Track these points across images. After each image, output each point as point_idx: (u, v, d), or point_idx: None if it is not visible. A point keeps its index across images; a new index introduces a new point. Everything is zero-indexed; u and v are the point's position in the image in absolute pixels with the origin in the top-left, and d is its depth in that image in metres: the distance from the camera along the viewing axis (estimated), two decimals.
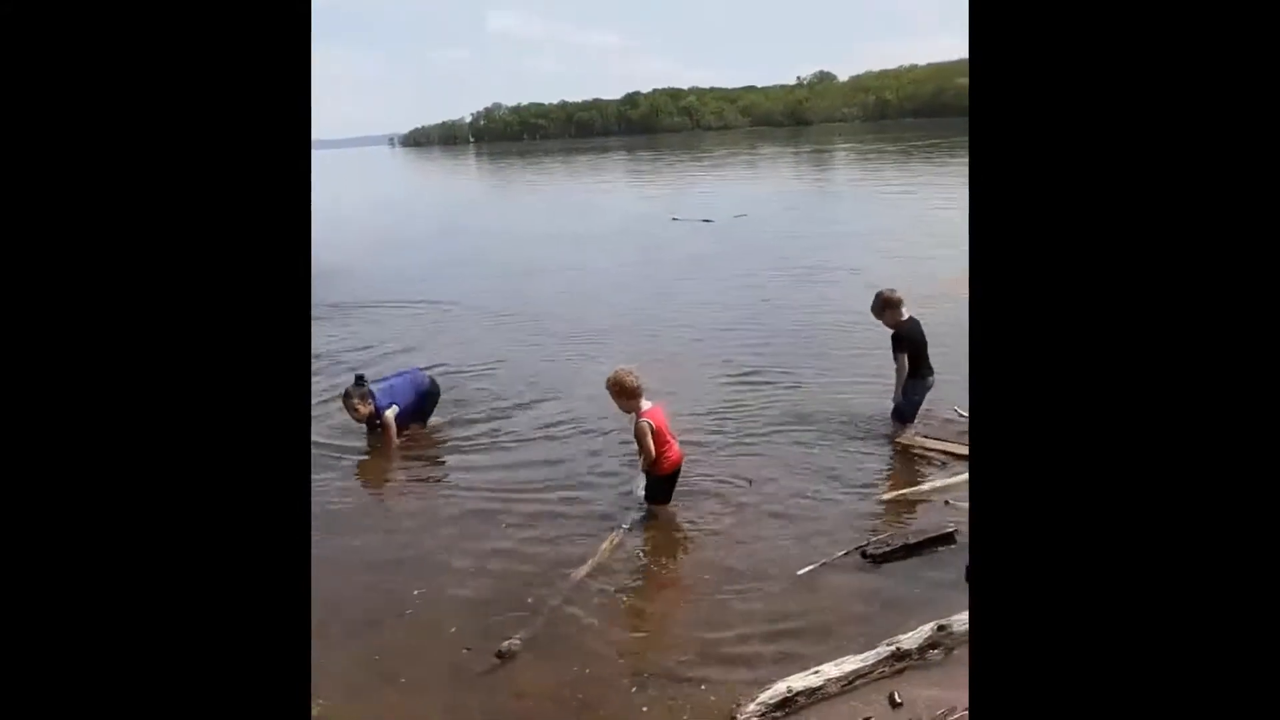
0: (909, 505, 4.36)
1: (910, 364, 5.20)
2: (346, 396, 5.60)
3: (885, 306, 5.26)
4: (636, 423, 4.38)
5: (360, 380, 5.65)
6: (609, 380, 4.43)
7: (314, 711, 2.95)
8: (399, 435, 5.62)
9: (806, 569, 3.75)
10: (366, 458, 5.47)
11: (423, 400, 5.90)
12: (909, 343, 5.21)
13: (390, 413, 5.59)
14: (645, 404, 4.42)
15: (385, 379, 5.91)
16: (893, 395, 5.33)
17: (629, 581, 3.78)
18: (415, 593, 3.72)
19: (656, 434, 4.35)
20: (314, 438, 5.54)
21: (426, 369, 6.57)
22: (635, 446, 4.44)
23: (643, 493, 4.51)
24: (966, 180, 1.41)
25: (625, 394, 4.38)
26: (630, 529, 4.25)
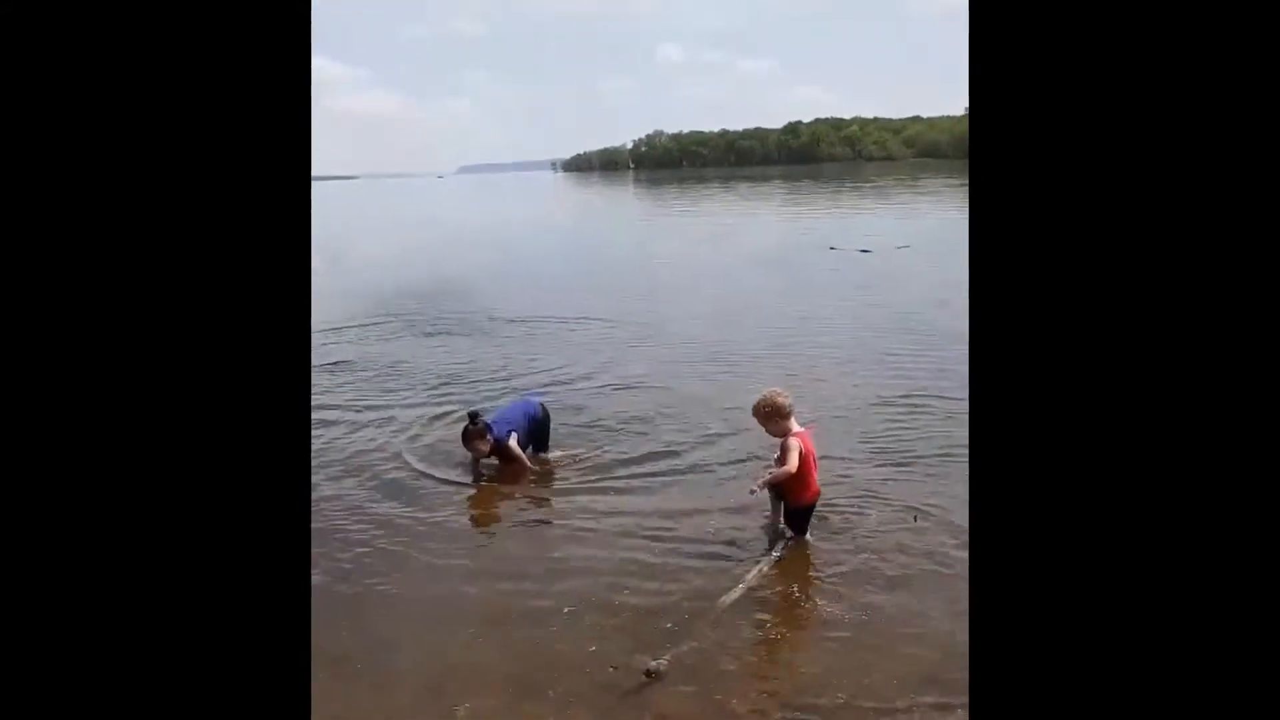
0: None
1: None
2: (466, 437, 5.53)
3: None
4: (785, 440, 4.27)
5: (474, 417, 5.58)
6: (759, 402, 4.34)
7: (460, 713, 2.99)
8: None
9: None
10: (486, 485, 5.42)
11: (534, 427, 5.81)
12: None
13: (513, 440, 5.54)
14: (795, 426, 4.30)
15: (498, 410, 5.90)
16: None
17: (777, 614, 3.67)
18: (565, 610, 3.74)
19: (804, 457, 4.22)
20: (431, 470, 5.57)
21: (541, 392, 6.61)
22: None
23: (782, 523, 4.39)
24: None
25: (776, 415, 4.27)
26: (780, 557, 4.13)
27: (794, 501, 4.33)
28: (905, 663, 3.24)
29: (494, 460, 5.63)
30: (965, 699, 2.98)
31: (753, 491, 4.36)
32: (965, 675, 3.09)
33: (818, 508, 4.43)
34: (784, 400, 4.29)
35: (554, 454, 5.84)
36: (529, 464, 5.57)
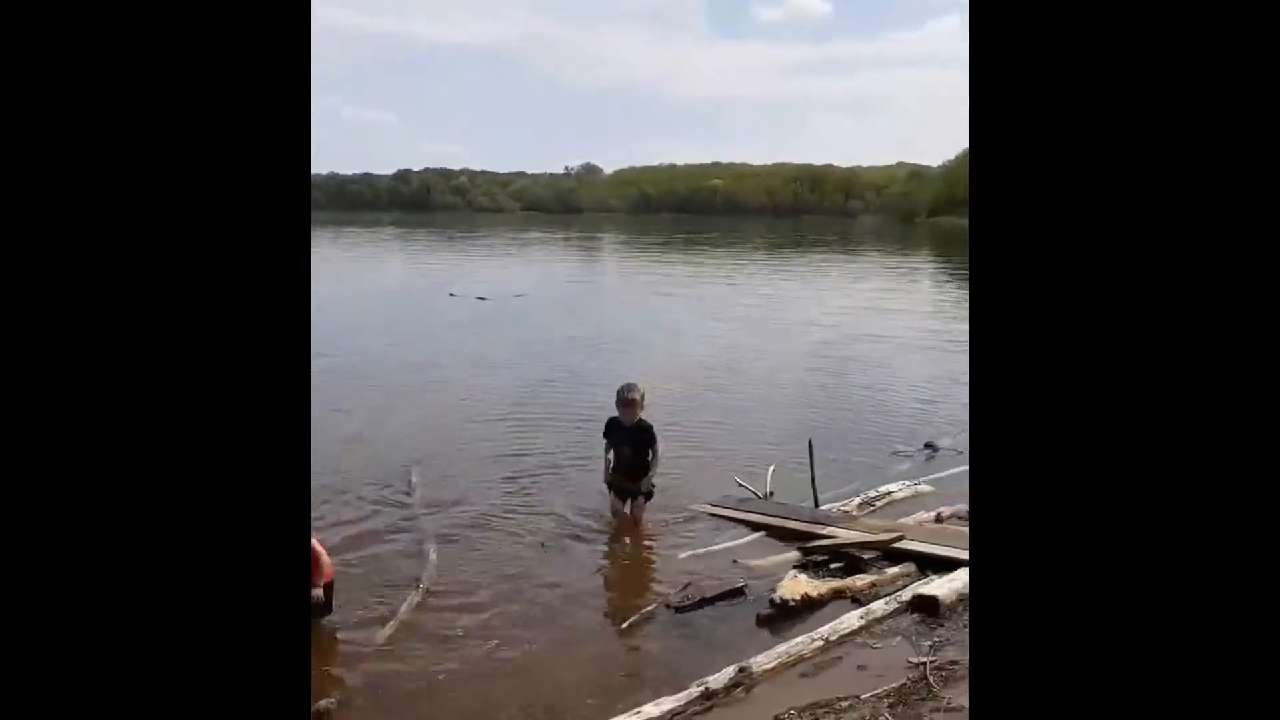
0: (704, 563, 4.74)
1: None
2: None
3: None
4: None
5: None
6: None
7: None
8: None
9: (625, 623, 4.01)
10: None
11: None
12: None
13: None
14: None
15: None
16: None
17: (448, 635, 3.84)
18: None
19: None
20: None
21: None
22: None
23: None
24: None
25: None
26: (427, 588, 4.29)
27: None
28: (570, 668, 3.61)
29: None
30: (622, 686, 3.44)
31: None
32: (621, 669, 3.61)
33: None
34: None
35: None
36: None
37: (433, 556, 4.66)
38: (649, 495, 5.48)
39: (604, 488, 5.63)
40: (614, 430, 5.58)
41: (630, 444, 5.51)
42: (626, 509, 5.45)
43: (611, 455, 5.58)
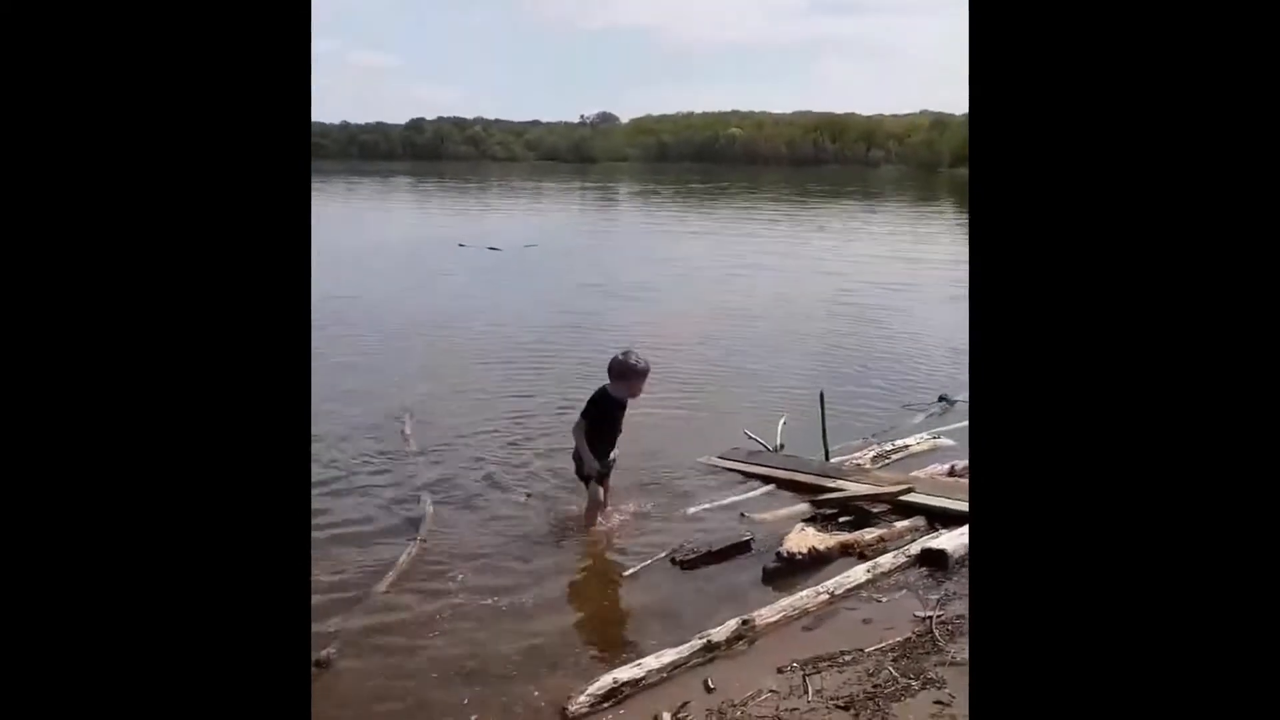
0: (711, 518, 4.68)
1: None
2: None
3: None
4: None
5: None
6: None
7: None
8: None
9: (628, 572, 3.97)
10: None
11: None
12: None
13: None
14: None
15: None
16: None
17: (446, 587, 3.82)
18: None
19: None
20: None
21: None
22: None
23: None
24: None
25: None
26: (423, 539, 4.26)
27: None
28: (574, 620, 3.57)
29: None
30: (625, 638, 3.40)
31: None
32: (624, 622, 3.58)
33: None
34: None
35: None
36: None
37: (429, 507, 4.63)
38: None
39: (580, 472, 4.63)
40: (606, 405, 4.53)
41: (618, 419, 4.59)
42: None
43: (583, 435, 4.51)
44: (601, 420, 4.49)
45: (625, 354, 4.46)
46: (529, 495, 4.92)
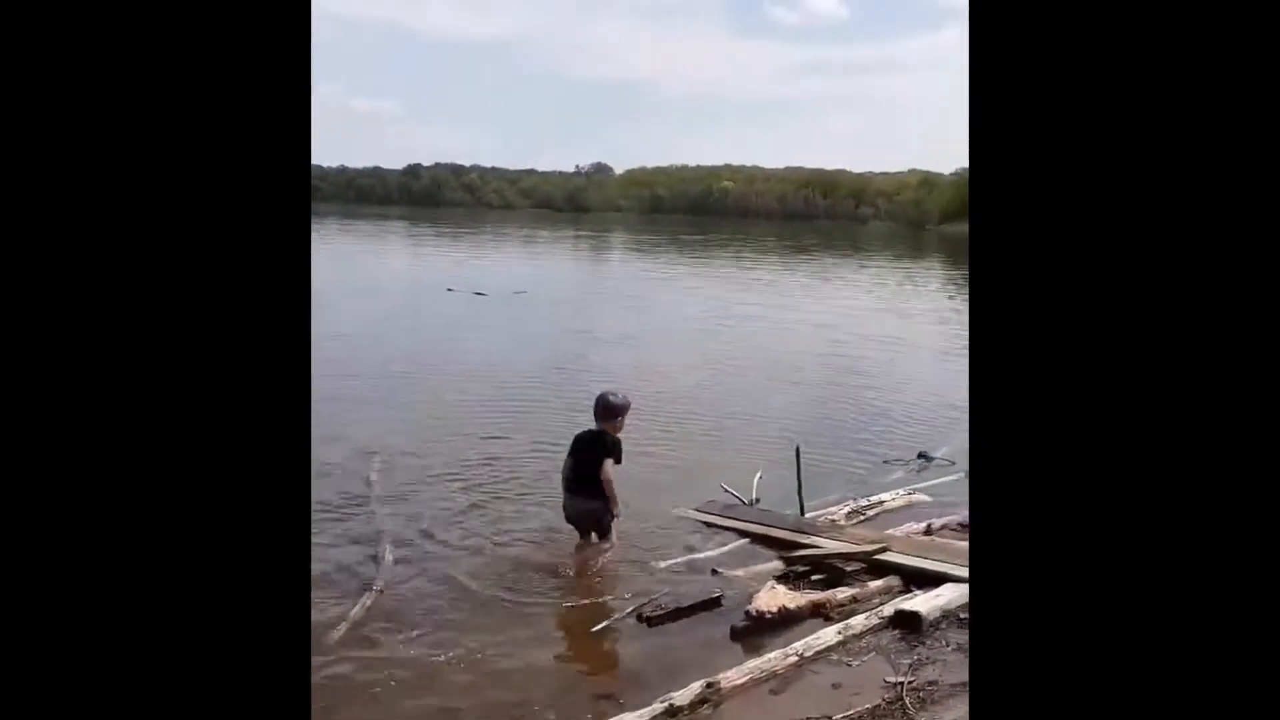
0: (683, 572, 4.56)
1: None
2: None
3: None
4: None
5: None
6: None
7: None
8: None
9: (594, 628, 3.84)
10: None
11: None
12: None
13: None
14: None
15: None
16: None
17: (399, 640, 3.68)
18: None
19: None
20: None
21: None
22: None
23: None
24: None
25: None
26: (382, 590, 4.13)
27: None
28: (534, 679, 3.45)
29: None
30: (586, 700, 3.26)
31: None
32: (585, 682, 3.43)
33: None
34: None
35: None
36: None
37: (388, 557, 4.49)
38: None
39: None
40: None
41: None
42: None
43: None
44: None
45: (611, 393, 4.84)
46: (495, 544, 4.79)
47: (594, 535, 4.80)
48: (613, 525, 4.77)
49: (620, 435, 4.82)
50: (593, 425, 4.82)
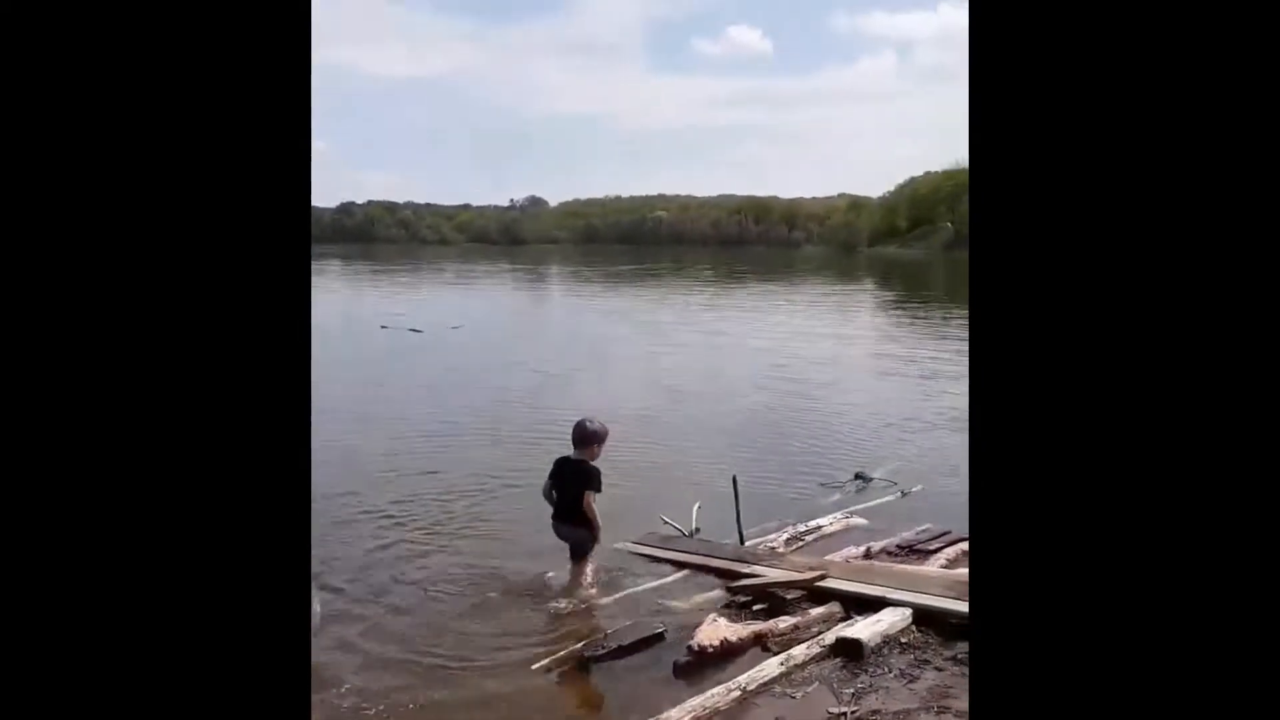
0: (625, 605, 4.49)
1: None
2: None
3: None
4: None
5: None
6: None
7: None
8: None
9: (534, 666, 3.75)
10: None
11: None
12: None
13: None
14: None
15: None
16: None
17: (329, 690, 3.53)
18: None
19: None
20: None
21: None
22: None
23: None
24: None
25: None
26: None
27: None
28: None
29: None
30: None
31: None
32: None
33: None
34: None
35: None
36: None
37: (316, 604, 4.33)
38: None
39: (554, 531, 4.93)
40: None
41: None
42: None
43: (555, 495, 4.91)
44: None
45: (589, 419, 4.92)
46: (427, 590, 4.66)
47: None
48: (592, 550, 4.86)
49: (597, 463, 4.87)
50: (569, 452, 4.88)
